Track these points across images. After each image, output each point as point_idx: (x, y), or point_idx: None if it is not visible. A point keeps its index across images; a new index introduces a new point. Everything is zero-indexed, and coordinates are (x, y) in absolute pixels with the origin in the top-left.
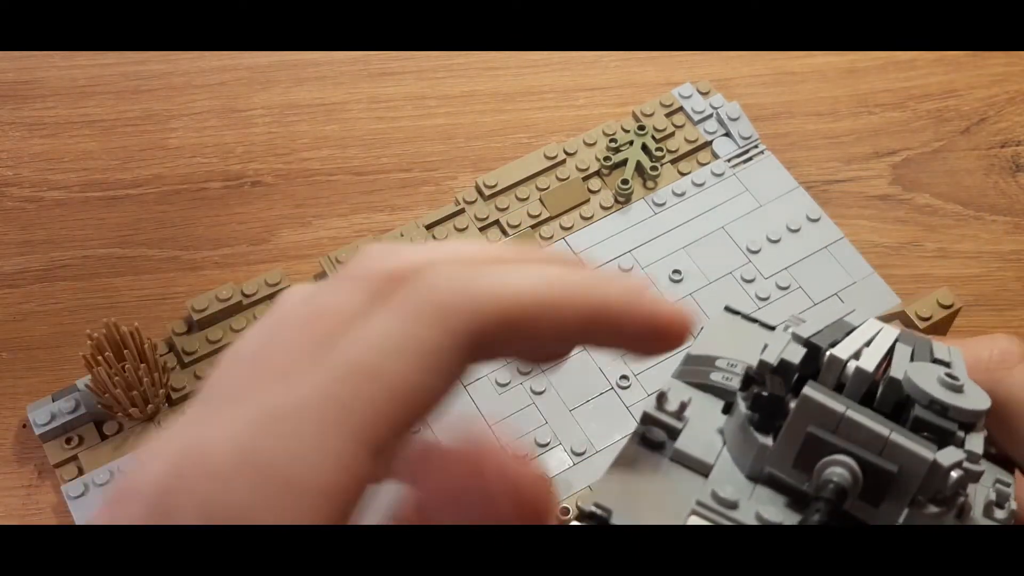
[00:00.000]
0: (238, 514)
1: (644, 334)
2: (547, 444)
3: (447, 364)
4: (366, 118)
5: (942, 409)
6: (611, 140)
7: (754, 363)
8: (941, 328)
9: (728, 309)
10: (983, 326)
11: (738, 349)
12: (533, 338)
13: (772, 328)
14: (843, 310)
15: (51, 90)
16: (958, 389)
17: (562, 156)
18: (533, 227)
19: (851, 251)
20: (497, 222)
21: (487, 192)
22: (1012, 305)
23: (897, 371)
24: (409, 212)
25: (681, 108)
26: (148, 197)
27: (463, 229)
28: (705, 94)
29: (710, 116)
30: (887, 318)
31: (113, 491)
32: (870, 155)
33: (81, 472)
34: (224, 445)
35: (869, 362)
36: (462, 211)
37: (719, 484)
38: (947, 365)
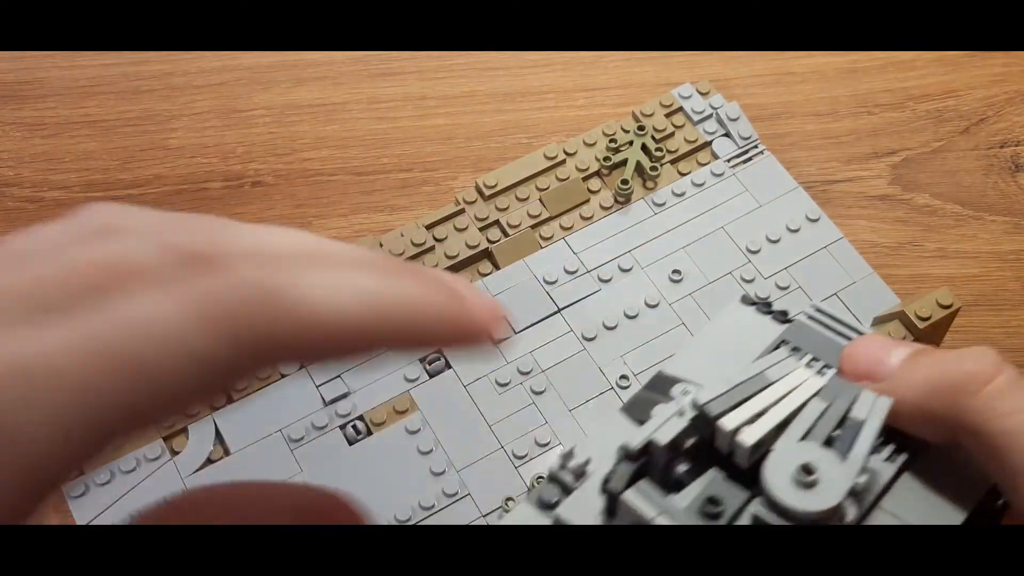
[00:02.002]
0: None
1: (452, 342)
2: (547, 444)
3: (221, 374)
4: (366, 118)
5: (782, 511)
6: (611, 140)
7: (741, 377)
8: (941, 328)
9: (745, 300)
10: (982, 326)
11: (727, 359)
12: (329, 355)
13: (788, 322)
14: (843, 310)
15: (52, 90)
16: (810, 485)
17: (562, 156)
18: (533, 227)
19: (851, 251)
20: (497, 222)
21: (487, 192)
22: (1011, 305)
23: (764, 467)
24: (409, 212)
25: (681, 108)
26: (149, 197)
27: (463, 229)
28: (705, 94)
29: (710, 116)
30: (886, 318)
31: None
32: (870, 155)
33: (82, 472)
34: None
35: (750, 436)
36: (462, 211)
37: None
38: (858, 426)
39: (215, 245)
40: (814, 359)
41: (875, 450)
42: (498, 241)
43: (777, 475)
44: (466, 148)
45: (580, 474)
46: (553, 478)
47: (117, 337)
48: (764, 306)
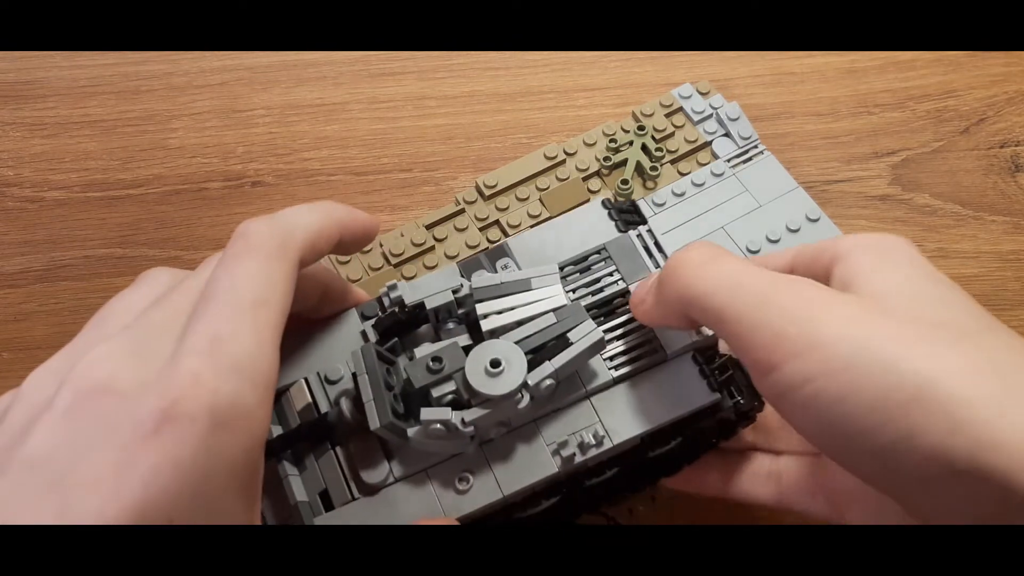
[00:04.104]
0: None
1: (362, 236)
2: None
3: (293, 279)
4: (366, 118)
5: (470, 390)
6: (611, 140)
7: (511, 278)
8: None
9: (604, 204)
10: None
11: (553, 249)
12: (321, 251)
13: (627, 229)
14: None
15: (52, 90)
16: (494, 376)
17: (562, 156)
18: (533, 227)
19: None
20: (497, 222)
21: (487, 192)
22: (1011, 305)
23: (472, 354)
24: (409, 212)
25: (681, 108)
26: (149, 197)
27: (463, 229)
28: (705, 94)
29: (710, 116)
30: None
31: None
32: (870, 155)
33: None
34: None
35: (489, 324)
36: (462, 211)
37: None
38: (564, 345)
39: (244, 225)
40: (614, 271)
41: (611, 358)
42: (498, 241)
43: (478, 361)
44: (466, 148)
45: (399, 304)
46: (378, 299)
47: (241, 293)
48: (616, 212)
